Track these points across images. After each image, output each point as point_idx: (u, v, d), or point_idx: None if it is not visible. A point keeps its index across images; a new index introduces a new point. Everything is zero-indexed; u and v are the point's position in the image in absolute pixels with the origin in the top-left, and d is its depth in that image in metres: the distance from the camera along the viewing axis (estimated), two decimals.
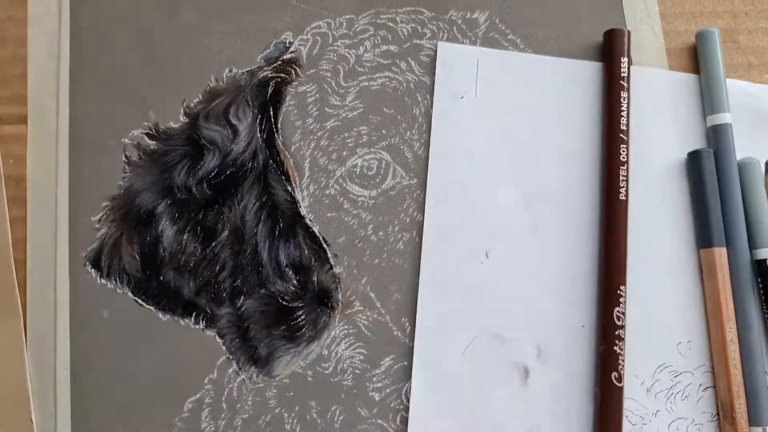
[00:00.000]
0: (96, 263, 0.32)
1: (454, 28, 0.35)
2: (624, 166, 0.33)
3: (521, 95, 0.35)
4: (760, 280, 0.33)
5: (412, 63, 0.35)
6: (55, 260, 0.32)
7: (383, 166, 0.34)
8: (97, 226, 0.32)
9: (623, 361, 0.32)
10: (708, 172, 0.34)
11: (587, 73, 0.35)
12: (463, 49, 0.35)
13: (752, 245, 0.33)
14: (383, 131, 0.34)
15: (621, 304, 0.32)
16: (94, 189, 0.33)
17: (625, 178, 0.33)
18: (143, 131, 0.33)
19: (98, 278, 0.32)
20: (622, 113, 0.34)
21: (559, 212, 0.34)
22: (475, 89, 0.35)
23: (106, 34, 0.34)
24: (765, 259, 0.33)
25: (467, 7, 0.36)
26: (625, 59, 0.35)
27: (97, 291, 0.32)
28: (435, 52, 0.35)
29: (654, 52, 0.36)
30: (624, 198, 0.33)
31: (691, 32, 0.37)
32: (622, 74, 0.34)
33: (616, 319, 0.32)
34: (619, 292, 0.32)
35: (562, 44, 0.36)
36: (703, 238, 0.33)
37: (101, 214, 0.32)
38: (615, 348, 0.32)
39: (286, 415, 0.32)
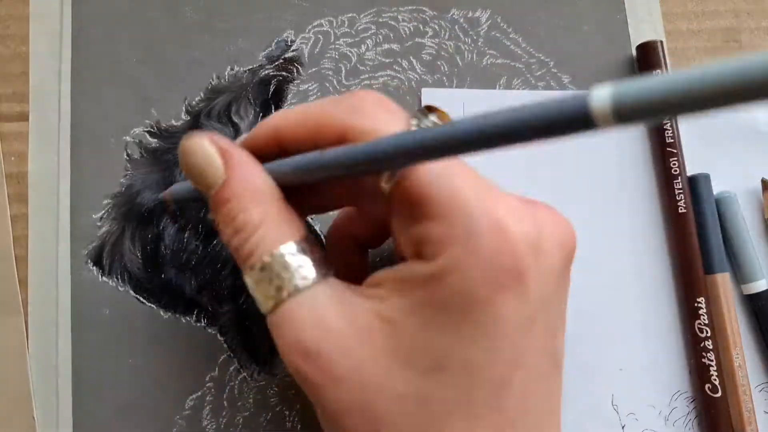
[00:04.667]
0: (97, 261, 0.32)
1: (456, 27, 0.35)
2: (678, 179, 0.33)
3: None
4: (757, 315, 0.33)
5: (414, 62, 0.35)
6: (56, 257, 0.32)
7: None
8: (99, 223, 0.32)
9: (716, 371, 0.32)
10: (705, 198, 0.33)
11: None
12: (448, 93, 0.34)
13: (740, 279, 0.33)
14: None
15: (701, 316, 0.32)
16: (95, 186, 0.32)
17: (681, 191, 0.33)
18: (145, 129, 0.33)
19: (99, 276, 0.32)
20: (665, 125, 0.34)
21: None
22: None
23: (107, 32, 0.34)
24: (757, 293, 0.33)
25: (469, 5, 0.36)
26: (658, 71, 0.34)
27: (98, 289, 0.32)
28: (437, 50, 0.35)
29: None
30: (685, 210, 0.33)
31: (693, 31, 0.37)
32: None
33: (699, 332, 0.32)
34: (697, 304, 0.32)
35: (563, 42, 0.36)
36: (706, 265, 0.33)
37: (103, 211, 0.32)
38: (704, 360, 0.32)
39: (287, 412, 0.32)
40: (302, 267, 0.20)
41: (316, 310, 0.19)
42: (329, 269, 0.21)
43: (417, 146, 0.17)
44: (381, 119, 0.20)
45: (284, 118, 0.22)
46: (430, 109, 0.20)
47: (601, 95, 0.13)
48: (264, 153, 0.22)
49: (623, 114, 0.13)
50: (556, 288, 0.20)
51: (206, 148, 0.22)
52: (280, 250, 0.20)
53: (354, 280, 0.22)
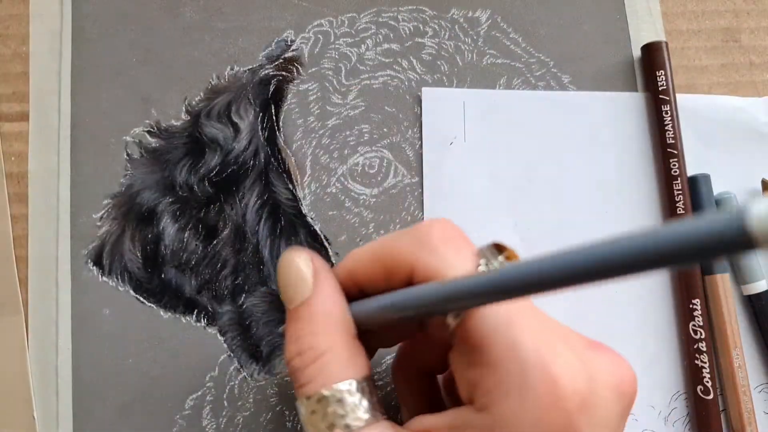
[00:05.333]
0: (97, 261, 0.32)
1: (456, 27, 0.35)
2: (677, 180, 0.33)
3: (512, 134, 0.34)
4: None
5: (414, 61, 0.35)
6: (56, 257, 0.32)
7: (384, 165, 0.34)
8: (99, 223, 0.32)
9: (708, 373, 0.32)
10: (706, 198, 0.33)
11: (577, 104, 0.35)
12: (449, 92, 0.34)
13: (740, 280, 0.33)
14: (385, 129, 0.34)
15: (696, 318, 0.32)
16: (95, 186, 0.33)
17: (681, 192, 0.33)
18: (145, 129, 0.33)
19: (99, 276, 0.32)
20: (666, 126, 0.34)
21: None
22: (464, 133, 0.34)
23: (107, 32, 0.34)
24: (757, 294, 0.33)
25: (469, 5, 0.36)
26: (662, 72, 0.34)
27: (98, 289, 0.32)
28: (437, 50, 0.35)
29: None
30: (683, 211, 0.33)
31: (693, 31, 0.37)
32: (661, 87, 0.34)
33: (693, 333, 0.32)
34: (692, 305, 0.32)
35: (563, 43, 0.36)
36: (706, 265, 0.33)
37: (103, 211, 0.32)
38: (696, 362, 0.32)
39: (287, 412, 0.32)
40: (358, 407, 0.20)
41: None
42: (383, 412, 0.21)
43: (490, 289, 0.17)
44: (448, 256, 0.20)
45: (357, 260, 0.23)
46: (498, 248, 0.20)
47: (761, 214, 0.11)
48: (345, 293, 0.23)
49: None
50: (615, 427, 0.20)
51: (303, 261, 0.22)
52: (340, 386, 0.20)
53: (420, 405, 0.23)
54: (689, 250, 0.12)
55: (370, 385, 0.21)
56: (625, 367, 0.20)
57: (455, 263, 0.20)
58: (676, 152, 0.33)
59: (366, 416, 0.20)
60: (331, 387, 0.20)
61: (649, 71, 0.35)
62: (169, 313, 0.32)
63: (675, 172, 0.33)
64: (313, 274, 0.22)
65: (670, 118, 0.34)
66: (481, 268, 0.20)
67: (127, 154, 0.33)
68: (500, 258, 0.20)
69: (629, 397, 0.20)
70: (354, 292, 0.23)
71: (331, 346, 0.21)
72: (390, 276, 0.22)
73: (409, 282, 0.21)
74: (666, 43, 0.35)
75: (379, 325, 0.22)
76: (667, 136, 0.34)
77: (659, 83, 0.34)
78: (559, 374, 0.18)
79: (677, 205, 0.33)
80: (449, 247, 0.21)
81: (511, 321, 0.19)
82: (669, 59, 0.35)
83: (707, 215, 0.12)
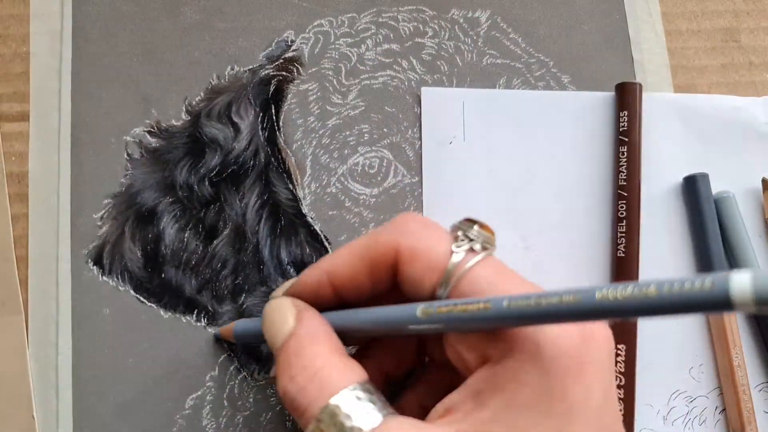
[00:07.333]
0: (98, 260, 0.32)
1: (456, 27, 0.35)
2: (622, 222, 0.33)
3: (511, 133, 0.34)
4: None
5: (414, 61, 0.35)
6: (56, 257, 0.32)
7: (385, 165, 0.34)
8: (99, 223, 0.32)
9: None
10: (704, 197, 0.33)
11: (576, 104, 0.35)
12: (448, 92, 0.34)
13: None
14: (385, 129, 0.34)
15: (618, 363, 0.31)
16: (95, 186, 0.33)
17: (623, 235, 0.32)
18: (145, 129, 0.33)
19: (100, 275, 0.32)
20: (621, 168, 0.33)
21: (560, 251, 0.34)
22: (463, 132, 0.34)
23: (108, 32, 0.34)
24: None
25: (469, 5, 0.36)
26: (625, 113, 0.34)
27: (98, 288, 0.32)
28: (436, 50, 0.35)
29: (655, 51, 0.36)
30: (623, 255, 0.32)
31: (692, 31, 0.37)
32: (622, 128, 0.34)
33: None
34: (617, 350, 0.31)
35: (562, 43, 0.36)
36: (703, 264, 0.33)
37: (103, 211, 0.32)
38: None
39: (287, 412, 0.32)
40: (370, 407, 0.20)
41: None
42: (393, 410, 0.21)
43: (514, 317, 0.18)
44: (427, 236, 0.22)
45: (335, 259, 0.23)
46: (471, 222, 0.22)
47: (742, 284, 0.14)
48: (316, 297, 0.23)
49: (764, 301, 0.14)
50: (610, 368, 0.21)
51: (285, 302, 0.23)
52: (345, 392, 0.20)
53: None
54: (680, 307, 0.15)
55: (374, 387, 0.21)
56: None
57: (434, 242, 0.22)
58: (624, 194, 0.33)
59: (380, 414, 0.20)
60: (339, 394, 0.20)
61: (621, 110, 0.34)
62: (170, 313, 0.32)
63: (621, 214, 0.33)
64: (295, 312, 0.23)
65: (625, 160, 0.33)
66: (460, 240, 0.22)
67: (128, 154, 0.33)
68: (475, 228, 0.22)
69: (610, 337, 0.21)
70: (331, 299, 0.23)
71: (324, 363, 0.21)
72: (374, 270, 0.22)
73: (394, 272, 0.22)
74: (640, 84, 0.34)
75: (361, 337, 0.23)
76: (620, 178, 0.33)
77: (621, 125, 0.34)
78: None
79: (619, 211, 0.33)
80: (428, 230, 0.22)
81: (498, 277, 0.21)
82: (640, 100, 0.34)
83: (698, 279, 0.14)
